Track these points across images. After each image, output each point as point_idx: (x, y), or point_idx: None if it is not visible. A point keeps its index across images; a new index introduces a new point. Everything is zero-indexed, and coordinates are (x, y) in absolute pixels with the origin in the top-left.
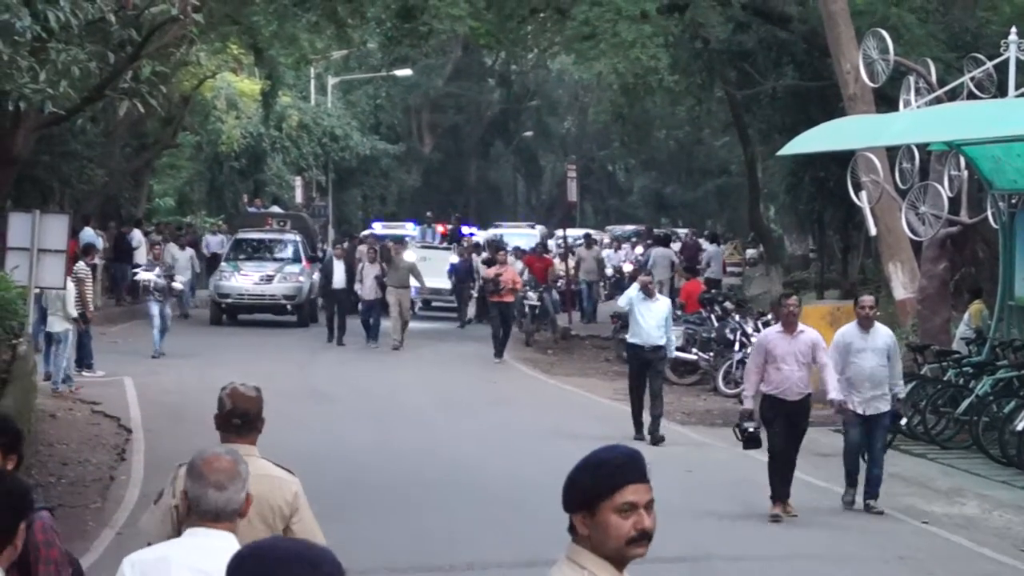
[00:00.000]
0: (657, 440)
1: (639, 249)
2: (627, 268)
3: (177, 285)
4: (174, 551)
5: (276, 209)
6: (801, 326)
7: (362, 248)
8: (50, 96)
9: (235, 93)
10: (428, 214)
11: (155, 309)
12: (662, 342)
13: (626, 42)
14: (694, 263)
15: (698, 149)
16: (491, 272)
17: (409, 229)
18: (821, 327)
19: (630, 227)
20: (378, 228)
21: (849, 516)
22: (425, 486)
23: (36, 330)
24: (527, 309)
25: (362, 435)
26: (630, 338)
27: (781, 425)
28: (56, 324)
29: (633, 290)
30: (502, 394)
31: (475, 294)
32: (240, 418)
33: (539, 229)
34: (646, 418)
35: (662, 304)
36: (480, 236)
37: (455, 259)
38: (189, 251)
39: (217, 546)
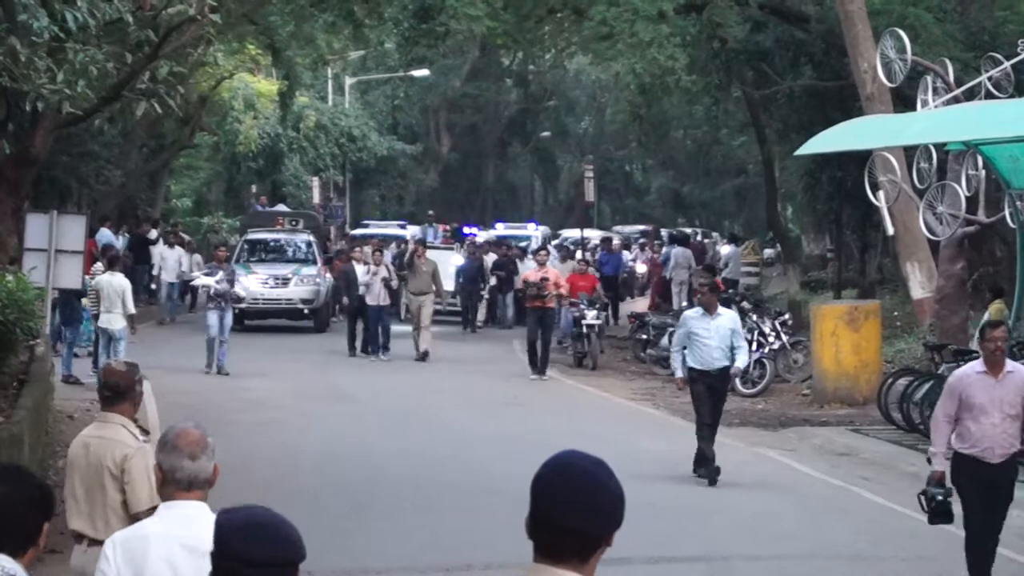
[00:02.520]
0: (714, 478)
1: (661, 248)
2: (640, 269)
3: (240, 292)
4: (153, 526)
5: (282, 207)
6: (1010, 365)
7: (366, 250)
8: (68, 96)
9: (252, 93)
10: (430, 213)
11: (214, 319)
12: (726, 363)
13: (643, 42)
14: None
15: (715, 149)
16: (534, 275)
17: (399, 229)
18: (839, 327)
19: (637, 227)
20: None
21: (867, 517)
22: (443, 486)
23: (57, 331)
24: (584, 329)
25: (381, 436)
26: (691, 362)
27: (978, 496)
28: (115, 321)
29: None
30: (519, 395)
31: (486, 296)
32: (110, 390)
33: (541, 230)
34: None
35: (725, 319)
36: (481, 236)
37: (459, 260)
38: (177, 251)
39: (192, 515)
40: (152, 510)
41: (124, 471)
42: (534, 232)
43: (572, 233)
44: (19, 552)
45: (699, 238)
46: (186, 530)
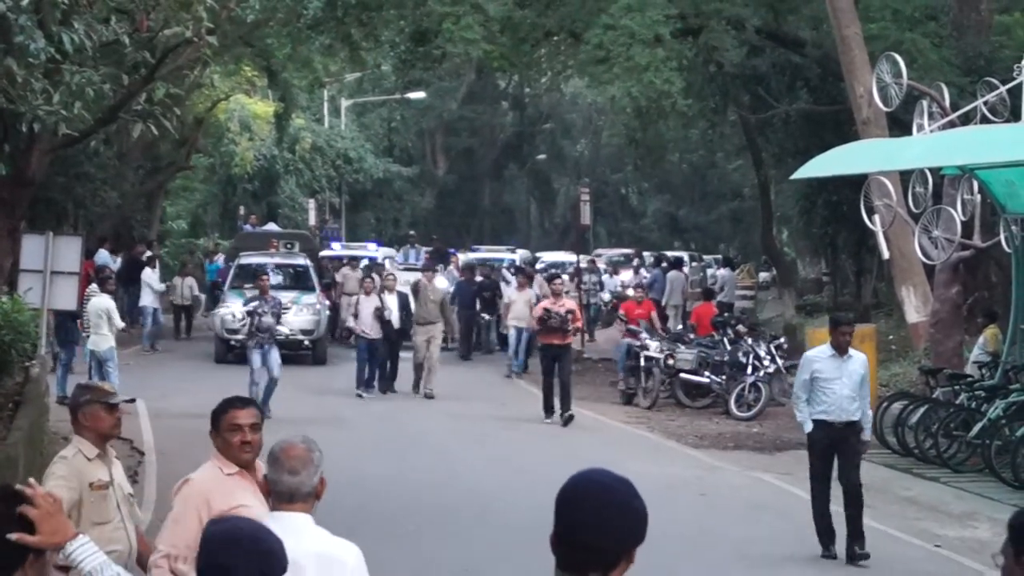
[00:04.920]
0: (859, 559)
1: (644, 272)
2: (630, 292)
3: (284, 329)
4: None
5: (273, 227)
6: None
7: (347, 272)
8: (64, 118)
9: (248, 115)
10: (411, 233)
11: (256, 360)
12: (858, 415)
13: (640, 66)
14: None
15: (711, 172)
16: (554, 305)
17: (371, 250)
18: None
19: (618, 251)
20: (336, 248)
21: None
22: (437, 513)
23: (71, 353)
24: (643, 361)
25: (375, 463)
26: (814, 412)
27: None
28: (102, 343)
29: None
30: (514, 418)
31: (486, 318)
32: (71, 413)
33: (520, 253)
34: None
35: (857, 362)
36: (460, 258)
37: (443, 282)
38: (147, 271)
39: (292, 526)
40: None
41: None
42: (511, 256)
43: (553, 256)
44: (8, 572)
45: (691, 263)
46: (288, 542)
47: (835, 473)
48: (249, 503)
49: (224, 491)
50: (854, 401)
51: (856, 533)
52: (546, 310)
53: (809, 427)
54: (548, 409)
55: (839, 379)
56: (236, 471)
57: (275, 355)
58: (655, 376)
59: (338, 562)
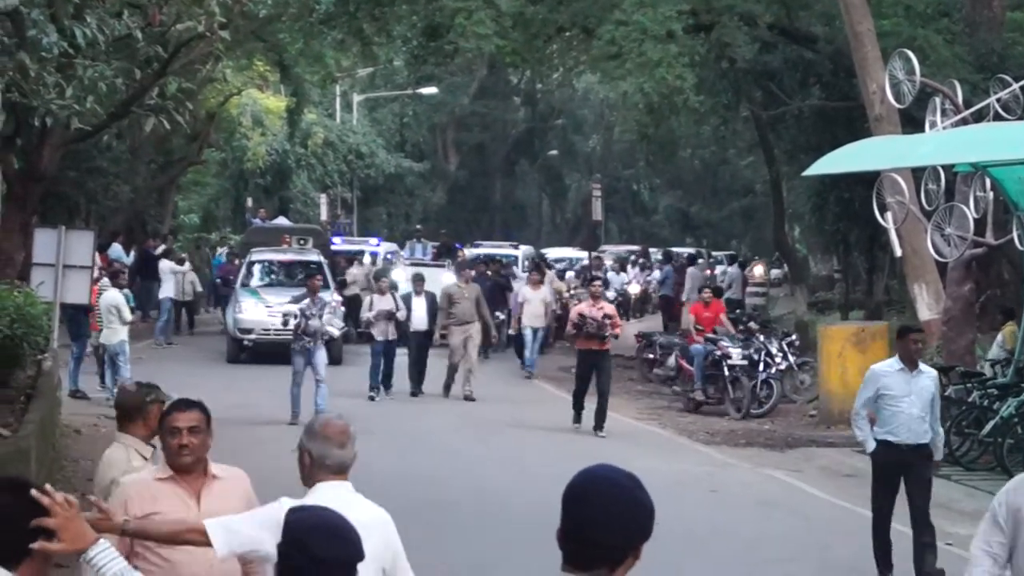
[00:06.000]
0: None
1: (657, 271)
2: (633, 289)
3: (333, 331)
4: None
5: (284, 221)
6: None
7: (355, 271)
8: (76, 112)
9: (261, 110)
10: (418, 227)
11: (299, 364)
12: (927, 438)
13: (652, 61)
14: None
15: (723, 169)
16: (591, 309)
17: (373, 245)
18: (846, 348)
19: (626, 247)
20: (337, 243)
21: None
22: (447, 508)
23: (82, 346)
24: (726, 371)
25: (385, 458)
26: (879, 433)
27: None
28: (112, 336)
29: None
30: (525, 414)
31: (502, 316)
32: (118, 409)
33: (523, 249)
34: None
35: (927, 378)
36: (463, 254)
37: (450, 277)
38: (164, 263)
39: (344, 496)
40: None
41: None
42: (515, 252)
43: (561, 252)
44: (13, 565)
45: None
46: (347, 508)
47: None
48: (164, 511)
49: (146, 496)
50: (924, 421)
51: (931, 560)
52: (581, 315)
53: (872, 446)
54: (578, 413)
55: (908, 396)
56: (169, 476)
57: (321, 356)
58: (743, 385)
59: (387, 522)
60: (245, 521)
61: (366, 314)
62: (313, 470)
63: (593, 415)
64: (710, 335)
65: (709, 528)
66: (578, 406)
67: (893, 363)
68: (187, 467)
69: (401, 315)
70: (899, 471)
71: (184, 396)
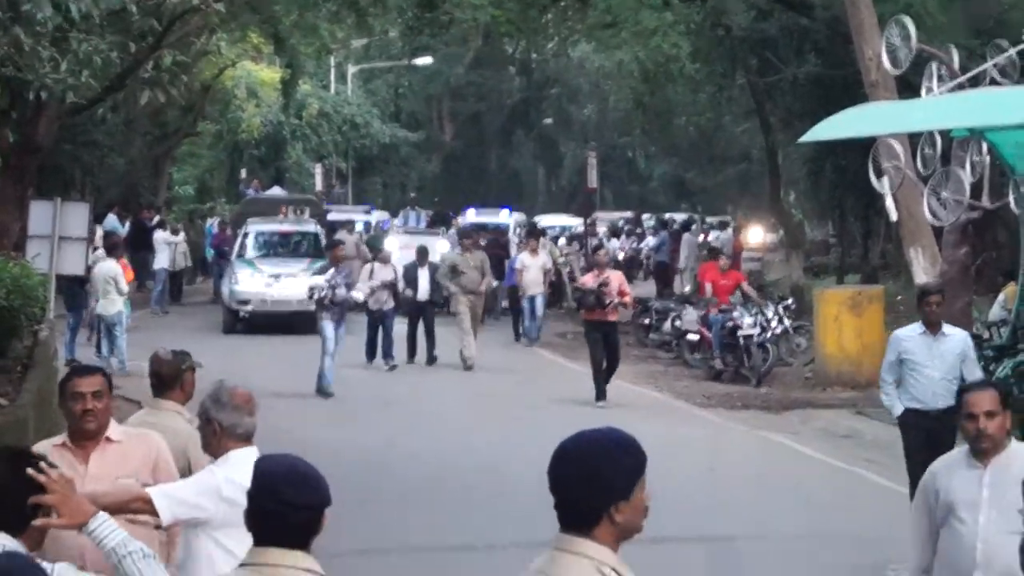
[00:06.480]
0: None
1: (650, 238)
2: (621, 256)
3: (359, 296)
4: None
5: (278, 191)
6: None
7: (349, 237)
8: (71, 86)
9: (255, 82)
10: (412, 195)
11: (330, 330)
12: (951, 400)
13: (647, 30)
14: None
15: (719, 136)
16: (592, 279)
17: (364, 214)
18: (842, 312)
19: (617, 214)
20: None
21: (870, 498)
22: (445, 473)
23: (79, 317)
24: (742, 340)
25: (384, 428)
26: (906, 400)
27: None
28: (110, 307)
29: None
30: (523, 379)
31: (496, 284)
32: (155, 378)
33: (515, 216)
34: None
35: (953, 341)
36: (457, 222)
37: (445, 245)
38: (159, 233)
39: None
40: None
41: (188, 461)
42: (507, 219)
43: (556, 220)
44: (18, 532)
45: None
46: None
47: None
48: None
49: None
50: (950, 385)
51: None
52: (577, 289)
53: (899, 410)
54: (601, 392)
55: (930, 361)
56: (62, 442)
57: (342, 329)
58: (754, 354)
59: None
60: (185, 489)
61: (367, 283)
62: (223, 439)
63: (603, 382)
64: (725, 306)
65: (705, 490)
66: (599, 382)
67: (916, 327)
68: (91, 433)
69: (401, 287)
70: (929, 437)
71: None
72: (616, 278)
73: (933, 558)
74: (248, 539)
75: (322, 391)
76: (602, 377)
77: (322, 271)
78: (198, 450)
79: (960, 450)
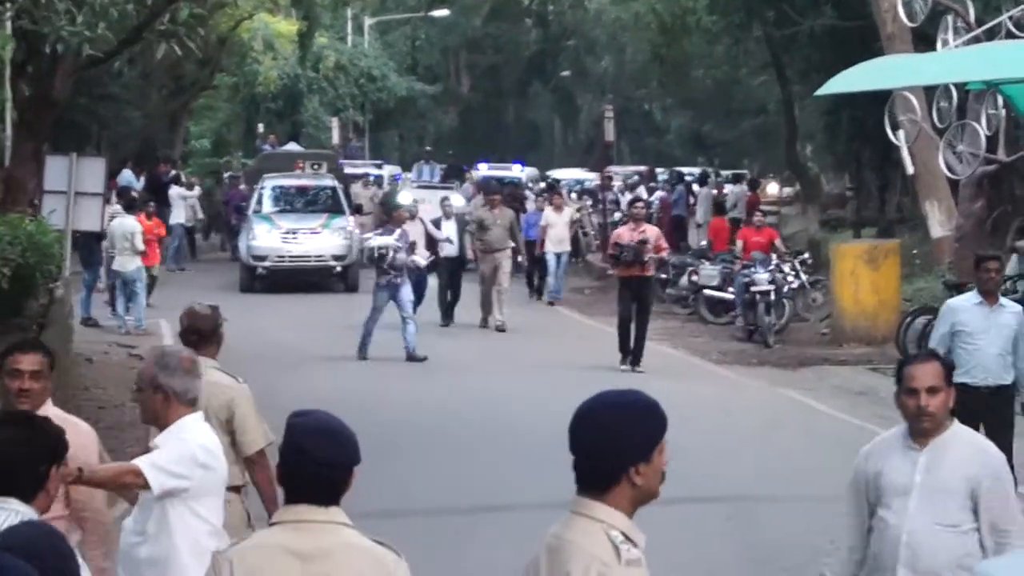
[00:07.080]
0: None
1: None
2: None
3: (420, 261)
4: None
5: (295, 147)
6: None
7: (359, 190)
8: (88, 39)
9: (272, 34)
10: (427, 149)
11: (384, 296)
12: (1009, 378)
13: None
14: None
15: (736, 88)
16: (628, 233)
17: (374, 169)
18: (859, 266)
19: (631, 168)
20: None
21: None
22: (462, 430)
23: (95, 274)
24: (758, 297)
25: (402, 383)
26: (956, 374)
27: None
28: (128, 264)
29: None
30: (541, 336)
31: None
32: (195, 334)
33: (528, 171)
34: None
35: (1009, 314)
36: (471, 176)
37: (460, 200)
38: (175, 188)
39: (205, 427)
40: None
41: (233, 414)
42: (520, 173)
43: (570, 174)
44: (31, 498)
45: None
46: (208, 437)
47: None
48: None
49: None
50: (1004, 360)
51: None
52: (616, 244)
53: None
54: (624, 350)
55: (986, 333)
56: None
57: (406, 292)
58: (760, 313)
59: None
60: (168, 459)
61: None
62: (174, 406)
63: (633, 350)
64: (747, 261)
65: (722, 447)
66: (624, 345)
67: (971, 297)
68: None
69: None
70: (977, 416)
71: None
72: (653, 232)
73: (868, 550)
74: (220, 507)
75: (412, 357)
76: (629, 341)
77: (388, 233)
78: (245, 404)
79: (897, 429)
